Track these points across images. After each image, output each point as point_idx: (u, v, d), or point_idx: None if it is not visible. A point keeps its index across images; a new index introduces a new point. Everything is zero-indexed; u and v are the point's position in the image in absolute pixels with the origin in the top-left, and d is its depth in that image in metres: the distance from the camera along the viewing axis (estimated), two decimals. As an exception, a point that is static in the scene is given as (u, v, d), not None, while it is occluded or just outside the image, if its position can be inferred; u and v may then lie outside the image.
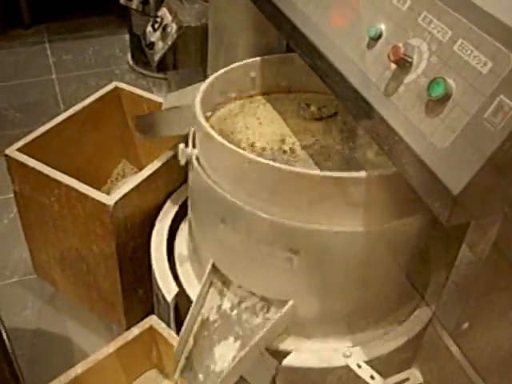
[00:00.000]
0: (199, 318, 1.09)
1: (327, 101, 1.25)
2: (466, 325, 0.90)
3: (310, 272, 1.03)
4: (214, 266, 1.12)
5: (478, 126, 0.68)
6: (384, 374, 1.04)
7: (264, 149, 1.12)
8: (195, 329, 1.08)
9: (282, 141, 1.14)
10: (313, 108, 1.21)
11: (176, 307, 1.19)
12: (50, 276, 1.63)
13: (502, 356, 0.90)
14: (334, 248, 0.99)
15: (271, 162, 0.95)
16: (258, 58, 1.27)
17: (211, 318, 1.09)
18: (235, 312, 1.09)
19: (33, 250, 1.62)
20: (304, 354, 1.08)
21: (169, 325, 1.21)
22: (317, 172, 0.95)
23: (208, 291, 1.12)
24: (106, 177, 1.73)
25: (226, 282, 1.12)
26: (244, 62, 1.26)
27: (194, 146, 1.13)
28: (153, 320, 1.20)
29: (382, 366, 1.08)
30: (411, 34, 0.79)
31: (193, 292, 1.16)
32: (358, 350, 1.08)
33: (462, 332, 0.91)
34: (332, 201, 0.95)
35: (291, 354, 1.08)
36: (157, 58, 1.86)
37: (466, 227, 0.80)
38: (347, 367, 1.06)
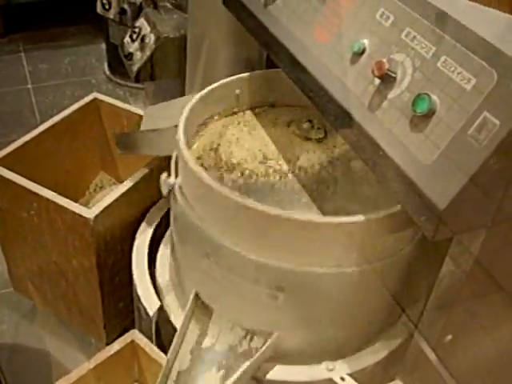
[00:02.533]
0: (182, 349, 1.08)
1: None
2: (449, 337, 0.91)
3: (294, 308, 1.02)
4: (197, 295, 1.11)
5: (463, 142, 0.68)
6: (367, 386, 1.05)
7: (251, 172, 1.10)
8: (178, 359, 1.07)
9: (266, 162, 1.13)
10: (306, 126, 1.20)
11: (161, 320, 1.19)
12: (28, 290, 1.61)
13: (484, 368, 0.91)
14: (320, 287, 0.98)
15: (258, 206, 0.92)
16: (242, 75, 1.25)
17: (194, 348, 1.08)
18: (218, 341, 1.08)
19: (10, 264, 1.60)
20: (286, 368, 1.08)
21: (151, 339, 1.20)
22: (303, 217, 0.92)
23: (191, 320, 1.10)
24: (84, 188, 1.71)
25: (209, 311, 1.10)
26: (229, 79, 1.23)
27: (176, 176, 1.10)
28: (135, 334, 1.18)
29: (365, 378, 1.08)
30: (395, 49, 0.79)
31: (177, 320, 1.15)
32: (341, 363, 1.08)
33: (444, 344, 0.91)
34: (318, 243, 0.94)
35: (274, 368, 1.07)
36: (135, 68, 1.85)
37: (450, 241, 0.81)
38: (331, 380, 1.06)
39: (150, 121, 1.35)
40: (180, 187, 1.07)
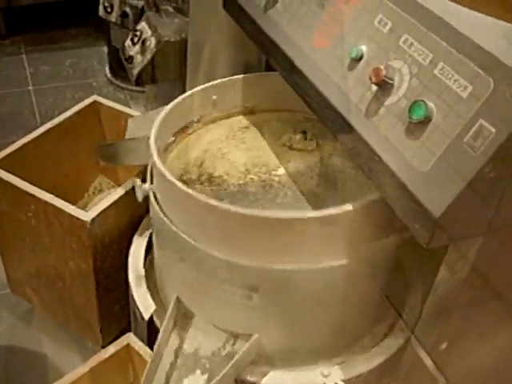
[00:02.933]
0: (165, 352, 1.08)
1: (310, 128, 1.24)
2: (444, 345, 0.91)
3: (270, 308, 1.02)
4: (178, 299, 1.11)
5: (459, 149, 0.68)
6: (362, 393, 1.04)
7: (223, 180, 1.10)
8: (162, 363, 1.07)
9: (246, 170, 1.13)
10: (298, 138, 1.20)
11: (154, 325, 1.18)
12: (25, 292, 1.61)
13: (481, 375, 0.91)
14: (291, 285, 0.98)
15: (223, 205, 0.93)
16: (219, 81, 1.25)
17: (177, 352, 1.08)
18: (201, 344, 1.08)
19: (8, 265, 1.60)
20: (281, 375, 1.08)
21: (146, 343, 1.19)
22: (268, 213, 0.93)
23: (174, 324, 1.10)
24: (83, 191, 1.71)
25: (191, 316, 1.11)
26: (205, 85, 1.24)
27: (151, 182, 1.11)
28: (130, 338, 1.18)
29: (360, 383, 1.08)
30: (392, 56, 0.79)
31: (160, 321, 1.15)
32: (336, 370, 1.08)
33: (440, 351, 0.91)
34: (284, 240, 0.94)
35: (269, 374, 1.07)
36: (136, 71, 1.85)
37: (446, 248, 0.81)
38: (325, 387, 1.06)
39: (132, 131, 1.36)
40: (154, 193, 1.08)
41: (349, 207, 0.92)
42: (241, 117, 1.29)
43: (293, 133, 1.20)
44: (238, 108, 1.29)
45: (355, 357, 1.10)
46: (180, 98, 1.20)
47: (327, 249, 0.96)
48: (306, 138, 1.19)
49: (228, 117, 1.29)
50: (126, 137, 1.38)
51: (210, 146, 1.20)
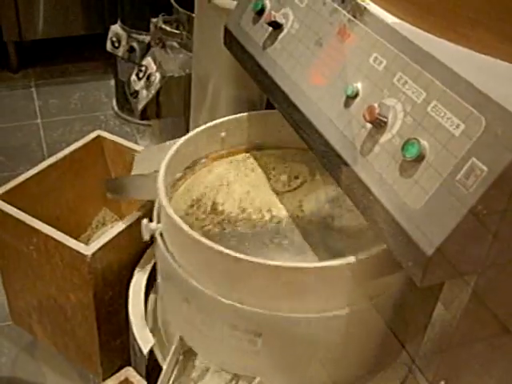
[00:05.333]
0: None
1: (298, 166, 1.25)
2: (442, 383, 0.90)
3: (274, 353, 1.02)
4: (181, 339, 1.10)
5: (451, 187, 0.68)
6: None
7: (230, 218, 1.11)
8: None
9: (248, 210, 1.14)
10: (283, 178, 1.21)
11: (154, 360, 1.18)
12: (27, 323, 1.61)
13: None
14: (297, 332, 0.98)
15: (230, 252, 0.93)
16: (227, 118, 1.26)
17: None
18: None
19: (10, 297, 1.61)
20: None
21: (145, 377, 1.19)
22: (276, 263, 0.93)
23: (176, 364, 1.10)
24: (86, 224, 1.72)
25: (194, 355, 1.10)
26: (213, 122, 1.24)
27: (158, 221, 1.10)
28: (128, 372, 1.18)
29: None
30: (387, 93, 0.80)
31: (161, 356, 1.15)
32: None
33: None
34: (290, 288, 0.94)
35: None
36: (140, 106, 1.87)
37: (441, 285, 0.81)
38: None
39: (139, 165, 1.36)
40: (161, 234, 1.08)
41: (352, 259, 0.92)
42: (247, 154, 1.30)
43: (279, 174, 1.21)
44: (244, 145, 1.29)
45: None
46: (188, 135, 1.20)
47: (332, 298, 0.96)
48: (290, 177, 1.20)
49: (235, 153, 1.29)
50: (133, 170, 1.38)
51: (217, 183, 1.21)
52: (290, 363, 1.04)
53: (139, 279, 1.29)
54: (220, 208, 1.14)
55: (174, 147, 1.16)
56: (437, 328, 0.85)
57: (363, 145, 0.81)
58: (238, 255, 0.92)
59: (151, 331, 1.19)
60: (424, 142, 0.72)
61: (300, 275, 0.93)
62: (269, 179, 1.22)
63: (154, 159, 1.20)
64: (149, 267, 1.31)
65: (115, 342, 1.44)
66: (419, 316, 1.18)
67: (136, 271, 1.31)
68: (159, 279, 1.17)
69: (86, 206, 1.69)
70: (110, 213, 1.74)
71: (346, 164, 0.83)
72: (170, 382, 1.08)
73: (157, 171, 1.10)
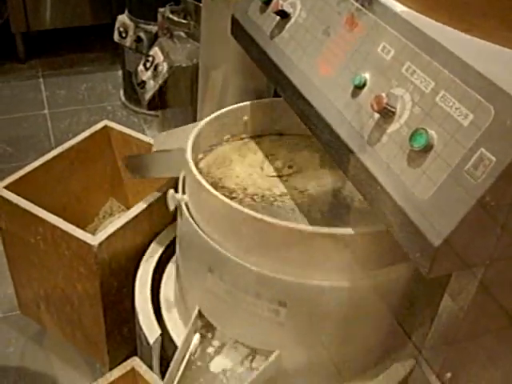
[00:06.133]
0: (183, 366, 1.08)
1: (296, 154, 1.25)
2: (448, 375, 0.89)
3: (296, 324, 1.02)
4: (199, 312, 1.11)
5: (459, 178, 0.68)
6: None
7: (255, 195, 1.11)
8: (179, 376, 1.07)
9: (271, 188, 1.14)
10: (277, 164, 1.21)
11: (162, 348, 1.18)
12: (35, 313, 1.61)
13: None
14: (323, 302, 0.98)
15: (260, 215, 0.94)
16: (250, 102, 1.26)
17: (195, 366, 1.08)
18: (220, 359, 1.07)
19: (18, 287, 1.61)
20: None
21: (151, 367, 1.19)
22: (306, 227, 0.94)
23: (193, 338, 1.10)
24: (93, 214, 1.72)
25: (211, 330, 1.11)
26: (237, 105, 1.25)
27: (183, 192, 1.12)
28: (135, 362, 1.18)
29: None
30: (395, 83, 0.79)
31: (178, 337, 1.15)
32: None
33: (446, 380, 0.90)
34: (321, 256, 0.94)
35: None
36: (147, 96, 1.87)
37: (448, 277, 0.80)
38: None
39: (159, 145, 1.36)
40: (186, 203, 1.09)
41: (381, 227, 0.91)
42: (269, 139, 1.30)
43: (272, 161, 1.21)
44: (267, 130, 1.30)
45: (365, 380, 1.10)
46: (214, 115, 1.22)
47: (359, 267, 0.96)
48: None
49: (257, 138, 1.29)
50: (153, 149, 1.38)
51: (238, 166, 1.20)
52: (312, 336, 1.04)
53: (146, 269, 1.29)
54: (241, 188, 1.14)
55: (201, 123, 1.19)
56: (444, 319, 0.85)
57: (371, 135, 0.80)
58: (269, 219, 0.93)
59: (162, 317, 1.20)
60: (432, 132, 0.72)
61: (331, 241, 0.93)
62: (264, 166, 1.22)
63: (174, 140, 1.21)
64: (156, 257, 1.31)
65: (122, 332, 1.45)
66: (427, 307, 1.18)
67: (143, 261, 1.31)
68: (180, 252, 1.18)
69: (92, 196, 1.69)
70: (116, 203, 1.74)
71: (353, 154, 0.82)
72: (187, 356, 1.08)
73: (180, 147, 1.12)
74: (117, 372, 1.18)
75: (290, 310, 0.99)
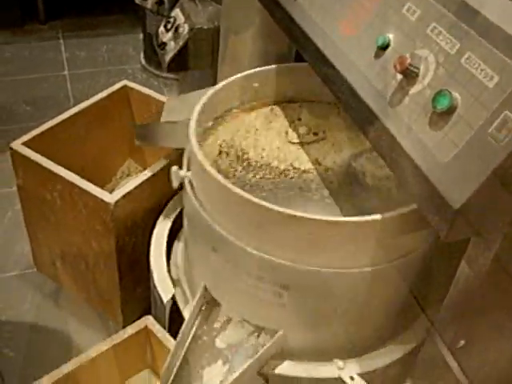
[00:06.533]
0: (189, 340, 1.08)
1: (321, 121, 1.23)
2: (462, 342, 0.89)
3: (299, 307, 1.01)
4: (206, 288, 1.11)
5: (482, 140, 0.67)
6: (378, 387, 1.03)
7: (278, 168, 1.10)
8: (184, 350, 1.07)
9: (281, 159, 1.13)
10: (302, 131, 1.19)
11: (176, 308, 1.19)
12: (51, 271, 1.63)
13: (500, 374, 0.89)
14: (324, 287, 0.98)
15: (258, 200, 0.92)
16: (260, 69, 1.24)
17: (201, 339, 1.08)
18: (225, 335, 1.08)
19: (34, 245, 1.62)
20: (297, 364, 1.07)
21: (165, 326, 1.20)
22: (304, 214, 0.91)
23: (199, 313, 1.10)
24: (111, 175, 1.72)
25: (217, 305, 1.11)
26: (246, 72, 1.23)
27: (188, 169, 1.10)
28: (148, 321, 1.19)
29: (375, 379, 1.07)
30: (419, 44, 0.78)
31: (186, 309, 1.15)
32: (351, 363, 1.07)
33: (459, 349, 0.90)
34: (319, 242, 0.93)
35: (284, 364, 1.07)
36: (168, 58, 1.85)
37: (466, 242, 0.79)
38: (340, 379, 1.05)
39: (169, 113, 1.35)
40: (191, 181, 1.07)
41: (381, 216, 0.91)
42: (280, 106, 1.28)
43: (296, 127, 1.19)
44: (278, 97, 1.28)
45: (372, 351, 1.10)
46: (221, 84, 1.20)
47: (360, 254, 0.95)
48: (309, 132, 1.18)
49: (268, 105, 1.28)
50: (162, 117, 1.37)
51: (248, 134, 1.20)
52: (314, 318, 1.03)
53: (162, 229, 1.29)
54: (246, 157, 1.13)
55: (207, 96, 1.16)
56: (459, 287, 0.84)
57: (393, 96, 0.79)
58: (268, 205, 0.91)
59: (174, 282, 1.20)
60: (456, 94, 0.70)
61: (330, 229, 0.92)
62: (289, 131, 1.20)
63: (185, 108, 1.20)
64: (172, 217, 1.31)
65: (136, 291, 1.46)
66: (440, 279, 1.18)
67: (159, 221, 1.31)
68: (186, 227, 1.17)
69: (111, 156, 1.69)
70: (134, 164, 1.74)
71: (374, 115, 0.81)
72: (193, 330, 1.09)
73: (188, 119, 1.09)
74: (130, 330, 1.19)
75: (293, 293, 0.99)
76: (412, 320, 1.14)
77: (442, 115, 0.71)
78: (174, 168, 1.09)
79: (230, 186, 0.94)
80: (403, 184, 0.78)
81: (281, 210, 0.91)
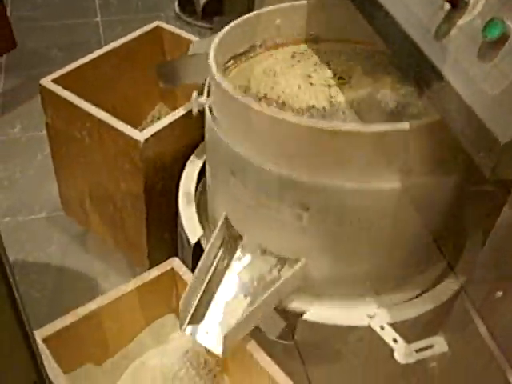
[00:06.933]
0: (210, 271, 1.07)
1: (348, 63, 1.19)
2: (499, 293, 0.86)
3: (320, 230, 0.99)
4: (226, 220, 1.09)
5: (535, 72, 0.63)
6: (407, 339, 1.00)
7: (300, 108, 1.06)
8: (205, 281, 1.06)
9: (301, 99, 1.09)
10: (328, 74, 1.15)
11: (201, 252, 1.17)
12: (78, 213, 1.61)
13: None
14: (343, 205, 0.95)
15: (277, 113, 0.91)
16: (283, 5, 1.21)
17: (222, 272, 1.07)
18: (247, 268, 1.06)
19: (62, 186, 1.61)
20: (326, 310, 1.05)
21: (191, 269, 1.18)
22: (324, 124, 0.89)
23: (220, 244, 1.09)
24: (141, 119, 1.69)
25: (238, 236, 1.09)
26: (268, 8, 1.20)
27: (208, 95, 1.10)
28: (175, 262, 1.17)
29: (406, 330, 1.04)
30: (470, -28, 0.73)
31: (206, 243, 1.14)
32: (382, 312, 1.04)
33: (492, 303, 0.86)
34: (340, 155, 0.90)
35: (312, 310, 1.04)
36: (202, 2, 1.82)
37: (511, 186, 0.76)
38: (369, 328, 1.02)
39: (194, 52, 1.34)
40: (210, 106, 1.07)
41: (406, 125, 0.87)
42: (304, 45, 1.25)
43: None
44: (301, 35, 1.25)
45: (404, 300, 1.07)
46: (242, 18, 1.17)
47: (381, 169, 0.92)
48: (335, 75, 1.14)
49: (291, 43, 1.24)
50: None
51: (269, 73, 1.16)
52: (336, 242, 1.01)
53: (191, 170, 1.27)
54: (264, 95, 1.10)
55: (229, 25, 1.15)
56: (501, 232, 0.81)
57: (439, 28, 0.75)
58: (288, 117, 0.90)
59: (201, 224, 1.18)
60: (508, 23, 0.66)
61: (356, 140, 0.89)
62: (312, 74, 1.16)
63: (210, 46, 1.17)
64: (202, 160, 1.29)
65: (163, 236, 1.44)
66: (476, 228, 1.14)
67: (189, 162, 1.29)
68: (207, 157, 1.16)
69: (141, 99, 1.66)
70: (165, 108, 1.71)
71: (418, 49, 0.77)
72: (214, 263, 1.07)
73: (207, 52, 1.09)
74: (156, 271, 1.17)
75: (313, 214, 0.96)
76: (441, 272, 1.11)
77: (492, 45, 0.67)
78: (195, 94, 1.10)
79: (249, 101, 0.94)
80: (446, 119, 0.74)
81: (299, 121, 0.90)
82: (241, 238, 1.08)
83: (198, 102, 1.09)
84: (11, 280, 0.60)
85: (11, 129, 2.09)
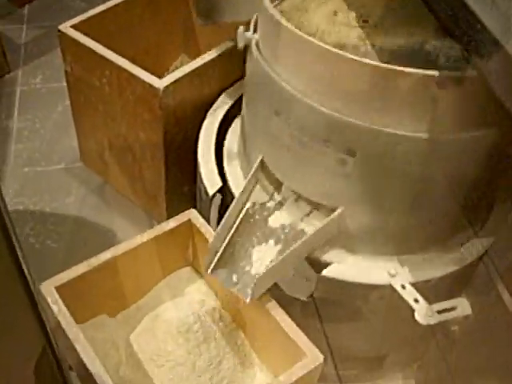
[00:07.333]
0: (241, 215, 1.03)
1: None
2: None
3: (363, 178, 0.95)
4: (262, 162, 1.05)
5: None
6: (429, 300, 0.97)
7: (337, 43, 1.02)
8: (235, 226, 1.03)
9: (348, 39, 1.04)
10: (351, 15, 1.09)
11: (221, 206, 1.14)
12: (97, 165, 1.60)
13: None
14: (394, 153, 0.91)
15: (335, 49, 0.86)
16: None
17: (253, 217, 1.04)
18: (280, 214, 1.03)
19: (81, 136, 1.59)
20: (347, 267, 1.03)
21: (209, 221, 1.15)
22: (382, 64, 0.84)
23: (254, 188, 1.06)
24: (163, 70, 1.65)
25: (273, 181, 1.06)
26: None
27: (254, 31, 1.05)
28: (192, 214, 1.14)
29: (428, 290, 1.01)
30: None
31: (238, 190, 1.10)
32: (404, 271, 1.02)
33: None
34: (397, 99, 0.86)
35: (332, 265, 1.02)
36: None
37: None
38: (391, 287, 0.99)
39: None
40: (257, 42, 1.03)
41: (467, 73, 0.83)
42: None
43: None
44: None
45: (427, 260, 1.04)
46: None
47: (431, 118, 0.87)
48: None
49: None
50: None
51: (316, 14, 1.11)
52: (378, 194, 0.98)
53: (212, 120, 1.24)
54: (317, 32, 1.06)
55: None
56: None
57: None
58: (344, 54, 0.86)
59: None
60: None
61: (409, 81, 0.84)
62: (344, 12, 1.11)
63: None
64: (224, 109, 1.26)
65: (183, 189, 1.41)
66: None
67: (209, 112, 1.25)
68: (246, 98, 1.12)
69: (163, 50, 1.63)
70: (188, 59, 1.67)
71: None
72: (245, 208, 1.05)
73: None
74: (173, 222, 1.15)
75: (359, 160, 0.93)
76: (468, 237, 1.08)
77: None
78: (241, 28, 1.06)
79: (302, 34, 0.89)
80: (485, 72, 0.70)
81: (354, 57, 0.85)
82: (275, 182, 1.05)
83: (244, 36, 1.06)
84: (9, 226, 0.58)
85: (33, 79, 2.06)
